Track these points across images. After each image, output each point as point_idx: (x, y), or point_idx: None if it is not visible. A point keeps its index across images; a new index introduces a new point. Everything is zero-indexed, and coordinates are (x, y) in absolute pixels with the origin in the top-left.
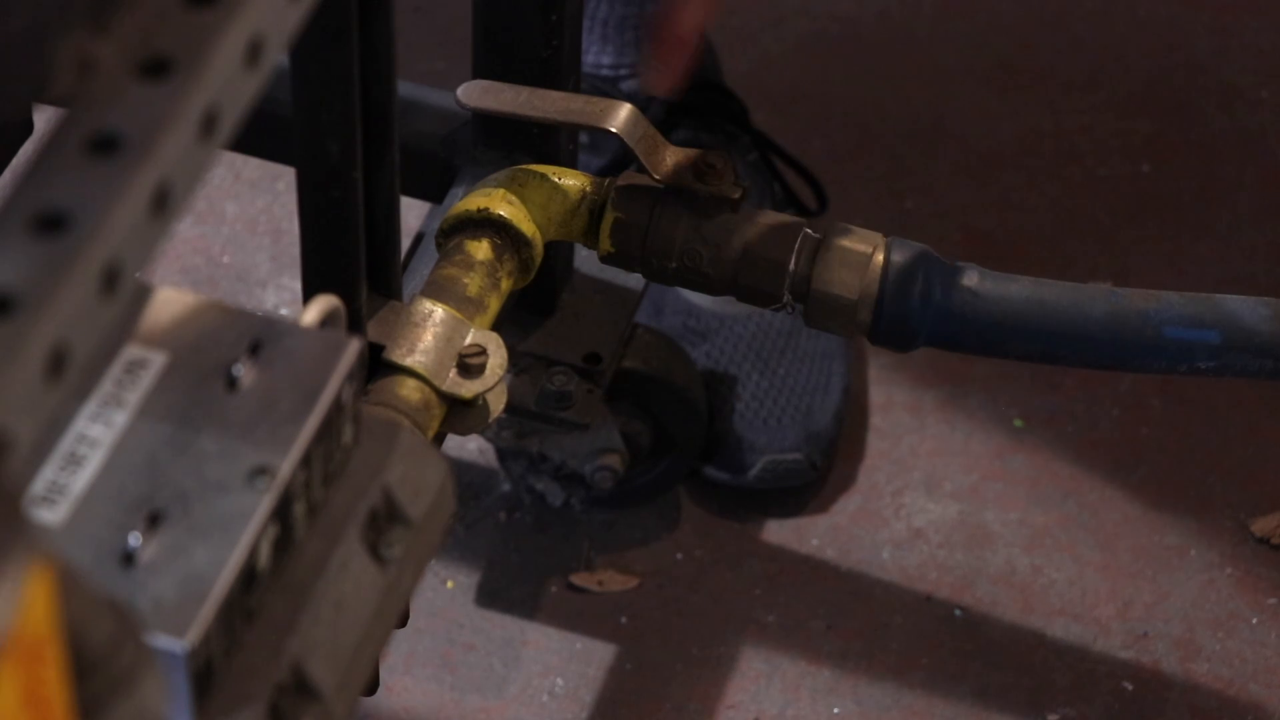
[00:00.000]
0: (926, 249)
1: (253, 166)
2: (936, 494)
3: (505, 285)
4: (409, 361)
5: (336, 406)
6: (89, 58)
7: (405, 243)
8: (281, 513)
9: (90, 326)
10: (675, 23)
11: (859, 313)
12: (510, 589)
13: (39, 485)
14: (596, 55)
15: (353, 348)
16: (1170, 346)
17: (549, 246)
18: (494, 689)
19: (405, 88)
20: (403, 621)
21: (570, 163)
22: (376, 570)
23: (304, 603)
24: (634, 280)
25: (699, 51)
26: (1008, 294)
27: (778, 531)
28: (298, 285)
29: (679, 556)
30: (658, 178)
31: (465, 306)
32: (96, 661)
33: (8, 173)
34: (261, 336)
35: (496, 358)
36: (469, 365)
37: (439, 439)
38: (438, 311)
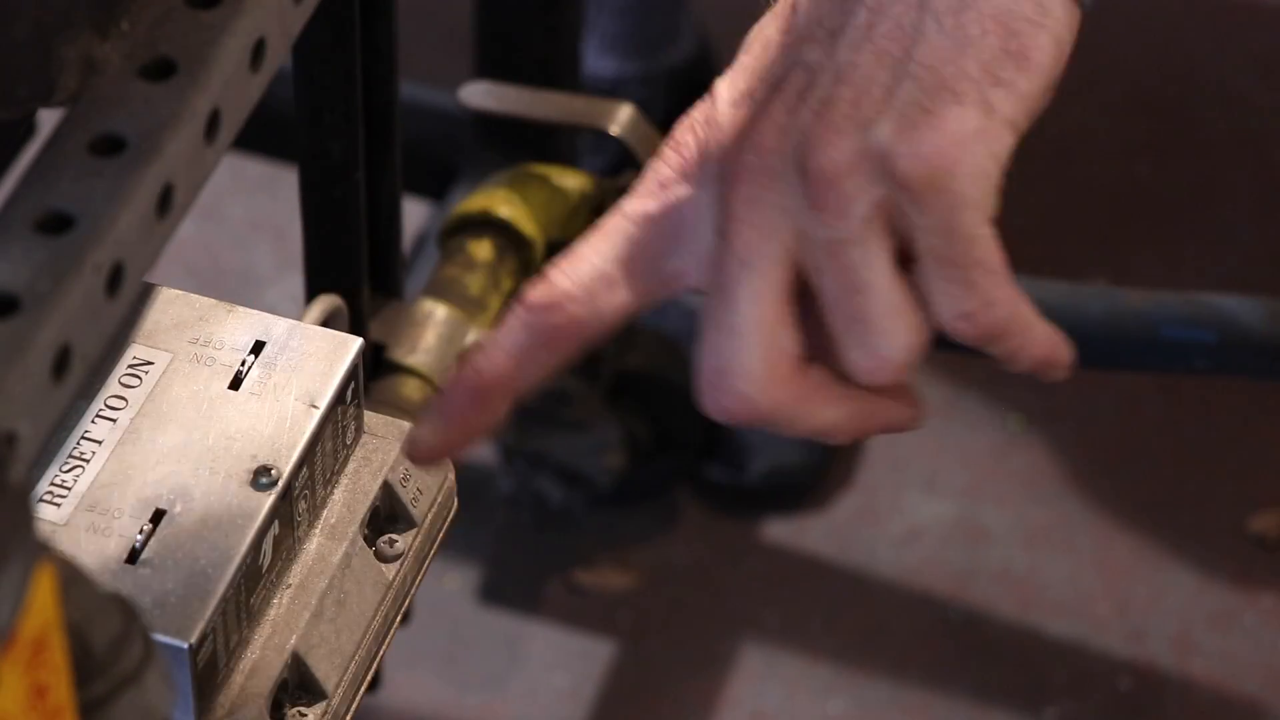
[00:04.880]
0: None
1: (255, 166)
2: (935, 493)
3: (507, 285)
4: (411, 361)
5: (339, 405)
6: (94, 59)
7: (407, 243)
8: (284, 511)
9: (95, 326)
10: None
11: None
12: (511, 587)
13: (44, 484)
14: (595, 63)
15: (355, 347)
16: (1167, 346)
17: (550, 246)
18: (495, 686)
19: (406, 88)
20: (405, 619)
21: (570, 163)
22: (379, 568)
23: (307, 600)
24: None
25: None
26: None
27: (777, 530)
28: (300, 285)
29: (679, 555)
30: None
31: (467, 306)
32: (101, 659)
33: (11, 174)
34: (264, 336)
35: None
36: None
37: None
38: (439, 311)
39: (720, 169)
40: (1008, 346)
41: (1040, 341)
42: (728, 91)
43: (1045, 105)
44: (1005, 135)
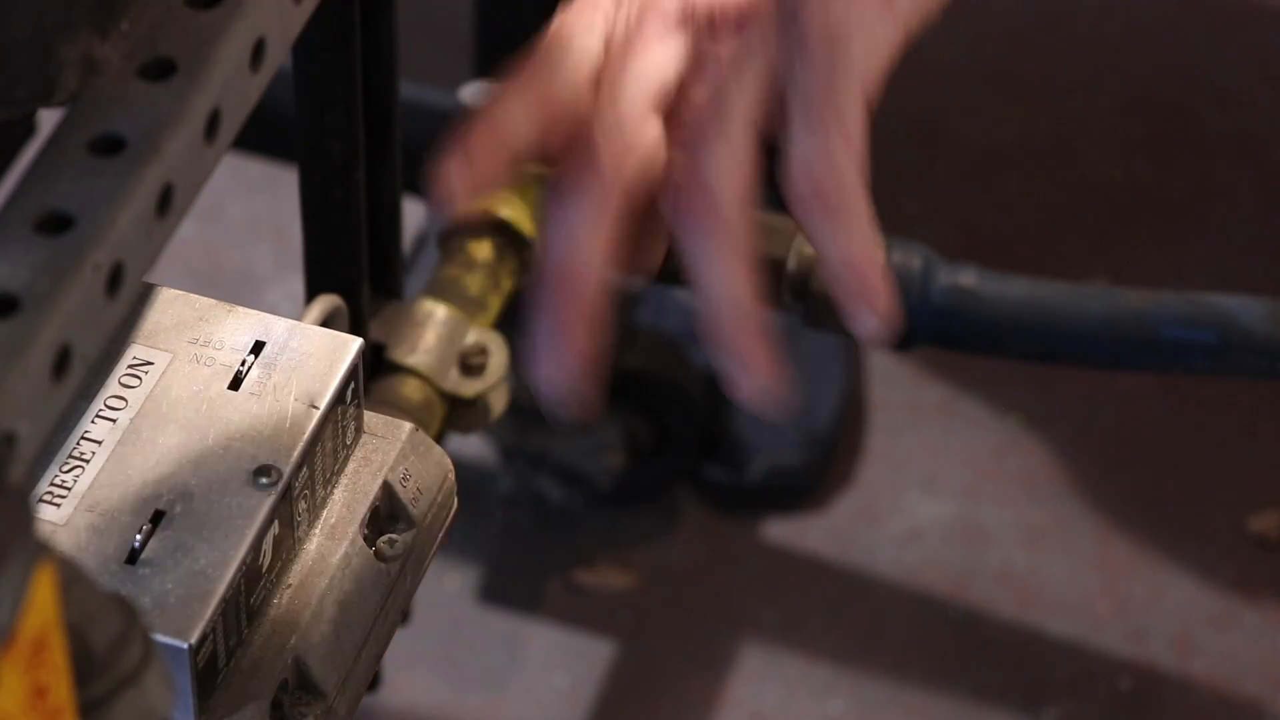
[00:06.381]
0: (925, 249)
1: (255, 166)
2: (935, 492)
3: (507, 285)
4: (411, 361)
5: (339, 405)
6: (94, 59)
7: (407, 243)
8: (284, 511)
9: (95, 326)
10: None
11: None
12: (511, 587)
13: (44, 484)
14: None
15: (355, 347)
16: (1167, 346)
17: None
18: (495, 686)
19: (406, 88)
20: (405, 619)
21: None
22: (379, 568)
23: (307, 600)
24: (633, 280)
25: None
26: (1006, 294)
27: (777, 530)
28: (300, 285)
29: (679, 554)
30: None
31: (467, 306)
32: (101, 659)
33: (11, 174)
34: (264, 336)
35: (498, 357)
36: (471, 364)
37: (441, 438)
38: (440, 311)
39: None
40: (836, 242)
41: (873, 261)
42: None
43: (935, 20)
44: (899, 29)
